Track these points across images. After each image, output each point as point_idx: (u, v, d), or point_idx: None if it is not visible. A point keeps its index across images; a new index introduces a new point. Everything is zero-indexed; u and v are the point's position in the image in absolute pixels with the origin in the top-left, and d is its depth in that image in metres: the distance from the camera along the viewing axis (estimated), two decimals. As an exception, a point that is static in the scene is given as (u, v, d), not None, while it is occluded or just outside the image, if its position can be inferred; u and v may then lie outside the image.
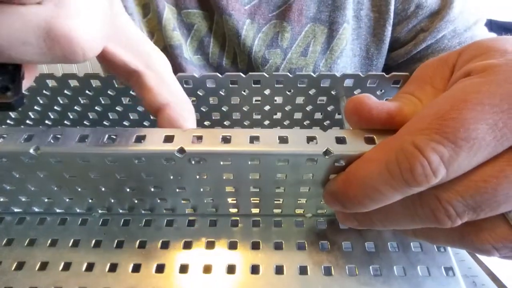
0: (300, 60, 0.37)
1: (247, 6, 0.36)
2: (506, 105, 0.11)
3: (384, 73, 0.21)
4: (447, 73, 0.16)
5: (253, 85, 0.22)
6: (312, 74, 0.21)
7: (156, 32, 0.35)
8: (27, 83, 0.14)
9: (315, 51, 0.37)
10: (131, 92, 0.23)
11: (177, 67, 0.36)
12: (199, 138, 0.15)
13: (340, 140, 0.15)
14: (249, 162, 0.16)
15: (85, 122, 0.26)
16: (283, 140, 0.15)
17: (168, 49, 0.35)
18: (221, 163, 0.16)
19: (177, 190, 0.19)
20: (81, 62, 0.12)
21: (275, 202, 0.20)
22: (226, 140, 0.15)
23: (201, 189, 0.19)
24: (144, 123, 0.26)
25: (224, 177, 0.17)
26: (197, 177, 0.17)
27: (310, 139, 0.15)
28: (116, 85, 0.23)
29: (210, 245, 0.20)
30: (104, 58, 0.16)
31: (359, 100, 0.15)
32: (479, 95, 0.12)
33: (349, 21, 0.36)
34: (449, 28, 0.35)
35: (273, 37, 0.36)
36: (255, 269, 0.19)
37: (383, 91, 0.22)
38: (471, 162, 0.12)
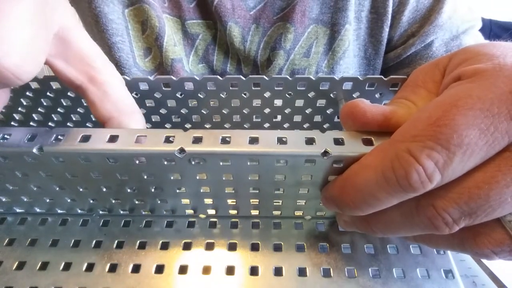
0: (302, 61, 0.37)
1: (252, 12, 0.36)
2: (496, 109, 0.12)
3: (382, 76, 0.21)
4: (439, 77, 0.16)
5: (253, 88, 0.23)
6: (311, 77, 0.22)
7: (154, 48, 0.36)
8: None
9: (318, 52, 0.37)
10: (133, 95, 0.23)
11: None
12: (199, 139, 0.16)
13: (338, 141, 0.15)
14: (248, 163, 0.16)
15: (87, 124, 0.26)
16: (282, 141, 0.15)
17: (168, 64, 0.35)
18: (221, 163, 0.16)
19: (177, 191, 0.19)
20: (21, 84, 0.13)
21: (275, 203, 0.20)
22: (225, 141, 0.15)
23: (201, 190, 0.19)
24: (146, 125, 0.26)
25: (223, 178, 0.17)
26: (197, 177, 0.17)
27: (308, 140, 0.15)
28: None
29: (209, 246, 0.20)
30: (54, 73, 0.17)
31: (353, 104, 0.16)
32: (470, 100, 0.12)
33: (351, 23, 0.36)
34: (437, 33, 0.36)
35: (276, 38, 0.36)
36: (254, 271, 0.19)
37: (381, 94, 0.22)
38: (464, 167, 0.12)
